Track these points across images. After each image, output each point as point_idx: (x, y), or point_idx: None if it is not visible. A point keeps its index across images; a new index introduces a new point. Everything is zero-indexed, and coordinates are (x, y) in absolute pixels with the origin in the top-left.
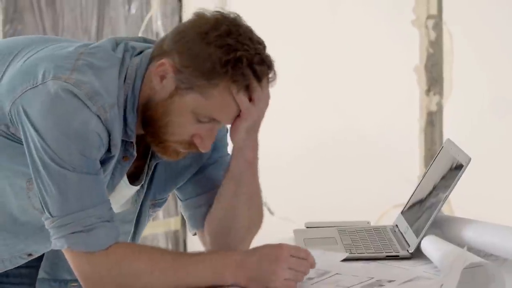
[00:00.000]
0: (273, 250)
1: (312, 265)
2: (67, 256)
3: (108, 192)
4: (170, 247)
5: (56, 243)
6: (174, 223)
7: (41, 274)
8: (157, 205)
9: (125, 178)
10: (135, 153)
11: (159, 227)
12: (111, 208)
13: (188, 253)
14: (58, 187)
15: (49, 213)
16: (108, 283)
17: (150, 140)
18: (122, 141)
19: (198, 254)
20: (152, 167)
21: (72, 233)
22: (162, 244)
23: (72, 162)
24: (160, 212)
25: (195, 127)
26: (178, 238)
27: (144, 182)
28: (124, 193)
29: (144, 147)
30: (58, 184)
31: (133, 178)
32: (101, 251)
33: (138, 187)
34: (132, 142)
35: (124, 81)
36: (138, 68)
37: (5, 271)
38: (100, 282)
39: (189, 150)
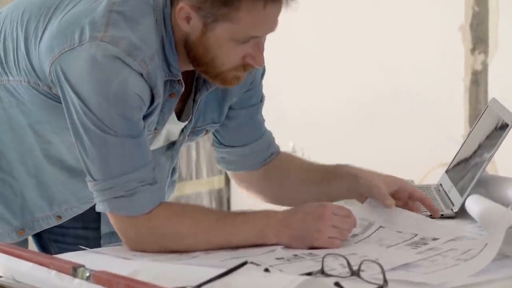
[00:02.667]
0: (316, 209)
1: (355, 223)
2: (111, 219)
3: (160, 128)
4: (213, 205)
5: (99, 206)
6: (218, 182)
7: (104, 229)
8: (195, 133)
9: (173, 115)
10: (182, 89)
11: (203, 185)
12: (153, 169)
13: (231, 213)
14: (99, 151)
15: (91, 176)
16: (151, 245)
17: (207, 76)
18: (167, 80)
19: (241, 214)
20: (198, 102)
21: (114, 197)
22: (206, 202)
23: (113, 125)
24: (204, 171)
25: (240, 50)
26: (222, 197)
27: (191, 118)
28: (173, 129)
29: (188, 84)
30: (99, 149)
31: (179, 115)
32: (144, 215)
33: (186, 123)
34: (179, 80)
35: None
36: (164, 7)
37: (62, 231)
38: (143, 244)
39: (246, 71)
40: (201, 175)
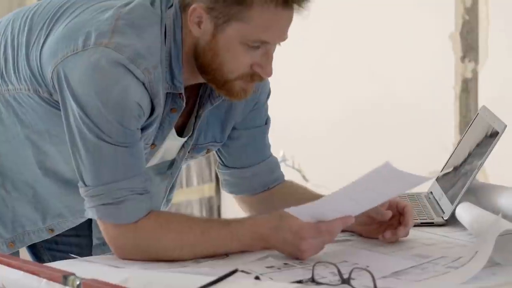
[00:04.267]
0: (296, 240)
1: (335, 232)
2: (99, 225)
3: (158, 144)
4: (204, 213)
5: (89, 212)
6: (208, 190)
7: (95, 241)
8: (195, 150)
9: (173, 131)
10: (183, 104)
11: (193, 193)
12: (146, 180)
13: (216, 224)
14: (92, 157)
15: (83, 182)
16: (138, 255)
17: (214, 86)
18: (169, 93)
19: (226, 225)
20: (201, 118)
21: (102, 204)
22: (196, 210)
23: (110, 132)
24: (194, 179)
25: (248, 56)
26: (212, 204)
27: (192, 133)
28: (172, 146)
29: (192, 100)
30: (93, 155)
31: (180, 131)
32: (130, 225)
33: (186, 139)
34: (180, 94)
35: (165, 34)
36: (175, 19)
37: (55, 239)
38: (130, 253)
39: (253, 82)
40: (191, 183)
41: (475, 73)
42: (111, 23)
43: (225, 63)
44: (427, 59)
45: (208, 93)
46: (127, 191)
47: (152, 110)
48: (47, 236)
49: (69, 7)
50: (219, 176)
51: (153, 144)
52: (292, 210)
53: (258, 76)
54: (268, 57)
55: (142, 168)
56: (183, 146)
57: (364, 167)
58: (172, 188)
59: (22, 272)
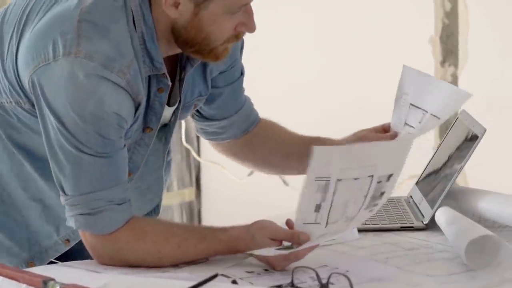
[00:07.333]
0: (268, 264)
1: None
2: (80, 233)
3: (155, 126)
4: (184, 218)
5: (69, 221)
6: (188, 194)
7: None
8: (184, 110)
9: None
10: (169, 83)
11: (174, 198)
12: (126, 190)
13: (195, 236)
14: (72, 168)
15: (63, 191)
16: (116, 263)
17: (199, 56)
18: (152, 75)
19: (203, 241)
20: (183, 81)
21: (80, 214)
22: (176, 215)
23: (88, 142)
24: (174, 183)
25: (232, 21)
26: (193, 209)
27: (180, 97)
28: (166, 115)
29: (173, 67)
30: (72, 165)
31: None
32: (107, 236)
33: (175, 106)
34: (164, 74)
35: (134, 21)
36: (141, 2)
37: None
38: (109, 261)
39: (239, 39)
40: (171, 187)
41: (455, 77)
42: (73, 26)
43: (210, 34)
44: (407, 63)
45: (186, 56)
46: (104, 201)
47: (137, 106)
48: (64, 248)
49: (32, 7)
50: (194, 125)
51: (148, 127)
52: (258, 252)
53: (242, 33)
54: (249, 13)
55: (122, 177)
56: (174, 112)
57: None
58: (168, 153)
59: (1, 277)
